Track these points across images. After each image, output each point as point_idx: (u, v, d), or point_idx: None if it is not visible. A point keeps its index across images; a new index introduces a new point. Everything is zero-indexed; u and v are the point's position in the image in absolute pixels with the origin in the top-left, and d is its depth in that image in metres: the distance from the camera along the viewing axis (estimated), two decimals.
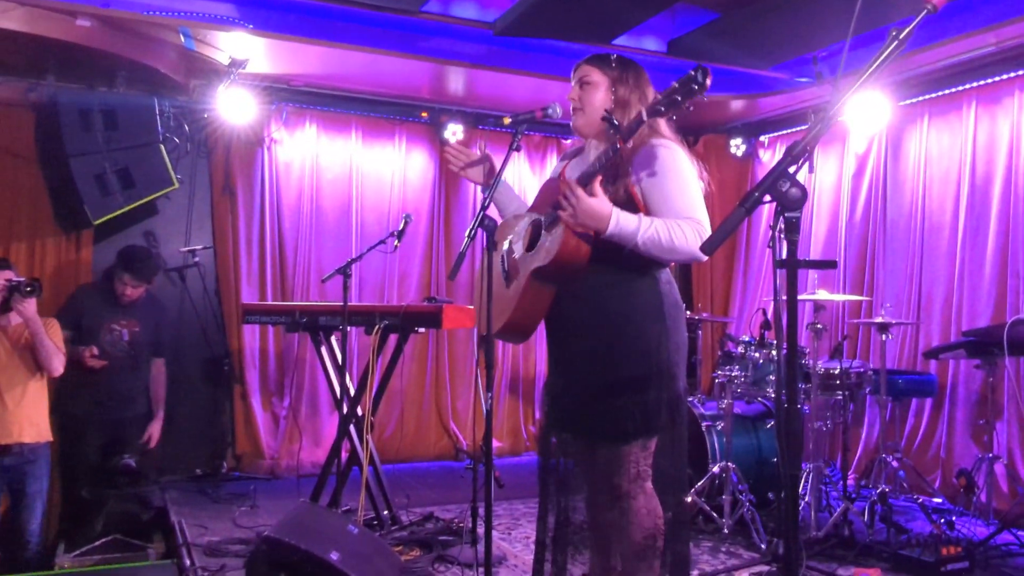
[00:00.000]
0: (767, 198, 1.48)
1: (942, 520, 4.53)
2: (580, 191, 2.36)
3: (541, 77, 5.71)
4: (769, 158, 7.27)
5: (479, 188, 6.76)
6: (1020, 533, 4.27)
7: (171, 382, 5.15)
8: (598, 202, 2.36)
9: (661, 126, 2.58)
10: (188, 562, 3.92)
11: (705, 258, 2.44)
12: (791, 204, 1.46)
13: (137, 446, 4.88)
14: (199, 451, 6.01)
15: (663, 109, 2.29)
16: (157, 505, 4.93)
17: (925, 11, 1.51)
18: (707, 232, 2.41)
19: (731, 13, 4.97)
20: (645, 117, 2.34)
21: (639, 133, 2.46)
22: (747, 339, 5.03)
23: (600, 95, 2.63)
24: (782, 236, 1.51)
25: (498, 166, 2.99)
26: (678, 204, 2.43)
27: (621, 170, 2.51)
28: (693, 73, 2.20)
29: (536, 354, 7.02)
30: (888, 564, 4.03)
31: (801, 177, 1.51)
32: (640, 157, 2.50)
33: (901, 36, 1.48)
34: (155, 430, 4.97)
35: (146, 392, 5.00)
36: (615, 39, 5.22)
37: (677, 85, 2.25)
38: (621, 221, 2.36)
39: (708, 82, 2.17)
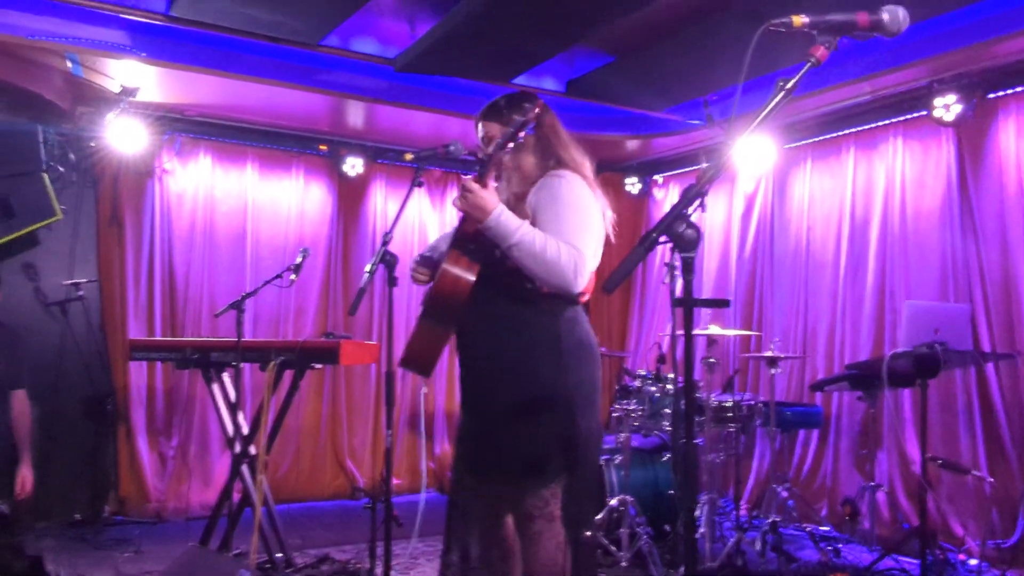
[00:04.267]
0: (664, 238, 1.52)
1: (829, 548, 4.70)
2: (470, 183, 2.43)
3: (441, 113, 5.74)
4: (663, 196, 7.49)
5: (379, 222, 6.76)
6: (901, 559, 4.46)
7: (49, 422, 4.86)
8: (486, 193, 2.42)
9: (567, 156, 2.62)
10: None
11: (577, 289, 2.43)
12: (687, 245, 1.50)
13: (6, 491, 4.55)
14: (78, 495, 5.69)
15: (500, 143, 2.45)
16: (32, 554, 4.62)
17: (810, 64, 1.59)
18: (584, 263, 2.42)
19: (627, 56, 5.13)
20: (490, 151, 2.49)
21: (542, 164, 2.59)
22: (644, 373, 5.12)
23: None
24: (678, 275, 1.55)
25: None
26: (562, 230, 2.43)
27: (521, 192, 2.58)
28: (527, 105, 2.45)
29: (435, 389, 6.98)
30: None
31: (693, 216, 1.56)
32: (538, 186, 2.55)
33: (788, 87, 1.56)
34: (26, 476, 4.51)
35: (7, 430, 4.56)
36: (514, 78, 5.31)
37: (517, 119, 2.44)
38: (503, 217, 2.40)
39: (533, 115, 2.43)
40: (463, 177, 7.02)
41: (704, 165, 6.79)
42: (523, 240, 2.38)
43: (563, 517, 2.56)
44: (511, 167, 2.65)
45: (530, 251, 2.37)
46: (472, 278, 2.50)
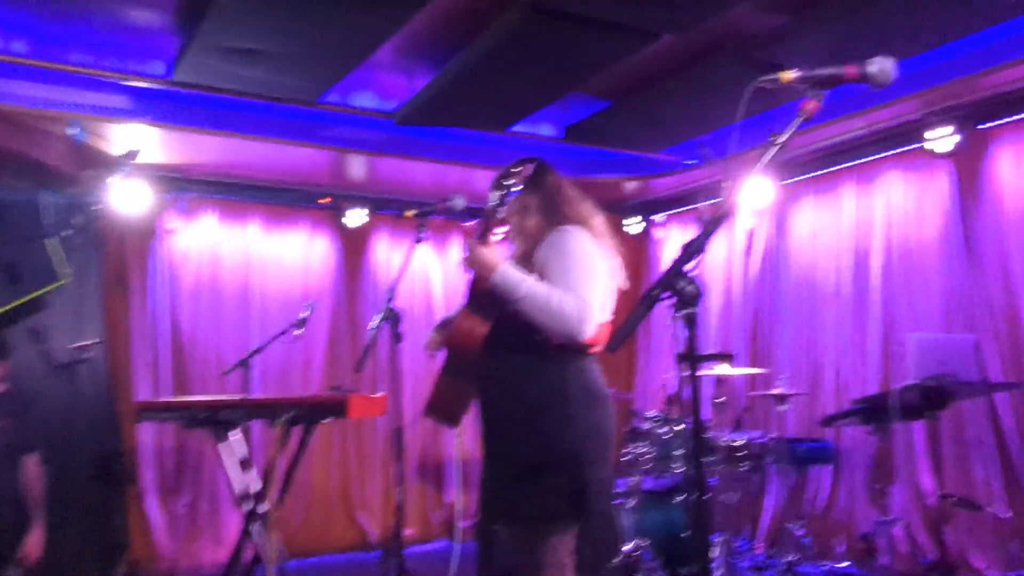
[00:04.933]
0: (665, 294, 1.54)
1: None
2: (472, 242, 2.58)
3: (442, 163, 5.81)
4: (663, 236, 7.52)
5: (383, 272, 6.77)
6: None
7: (58, 486, 4.83)
8: (488, 251, 2.55)
9: (572, 211, 2.72)
10: None
11: (584, 337, 2.49)
12: (688, 300, 1.52)
13: (17, 557, 4.51)
14: (90, 557, 5.62)
15: (494, 205, 2.64)
16: None
17: (801, 118, 1.62)
18: (590, 312, 2.49)
19: (623, 101, 5.19)
20: (486, 215, 2.67)
21: (548, 221, 2.70)
22: (653, 414, 5.10)
23: None
24: (682, 327, 1.57)
25: None
26: (568, 282, 2.51)
27: (529, 251, 2.68)
28: (513, 170, 2.63)
29: (444, 437, 6.95)
30: None
31: (693, 268, 1.59)
32: (546, 240, 2.64)
33: (779, 141, 1.59)
34: (35, 541, 4.48)
35: (20, 494, 4.51)
36: (512, 127, 5.37)
37: (504, 184, 2.63)
38: (508, 273, 2.50)
39: (517, 176, 2.61)
40: (466, 226, 7.11)
41: (702, 205, 6.83)
42: (529, 293, 2.47)
43: (578, 567, 2.58)
44: (517, 229, 2.76)
45: (535, 303, 2.46)
46: (483, 331, 2.60)
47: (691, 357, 1.53)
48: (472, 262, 2.55)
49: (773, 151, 1.58)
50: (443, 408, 2.80)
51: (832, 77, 1.62)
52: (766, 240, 6.41)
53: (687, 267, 1.55)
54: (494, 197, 2.61)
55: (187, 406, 4.61)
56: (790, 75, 1.61)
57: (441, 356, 2.88)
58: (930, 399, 4.37)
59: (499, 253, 2.56)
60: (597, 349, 2.68)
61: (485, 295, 2.62)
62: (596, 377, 2.68)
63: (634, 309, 1.51)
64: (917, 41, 4.19)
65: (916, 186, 5.42)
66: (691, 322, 1.54)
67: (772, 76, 1.61)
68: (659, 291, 1.53)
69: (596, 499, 2.57)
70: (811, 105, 1.62)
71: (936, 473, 4.37)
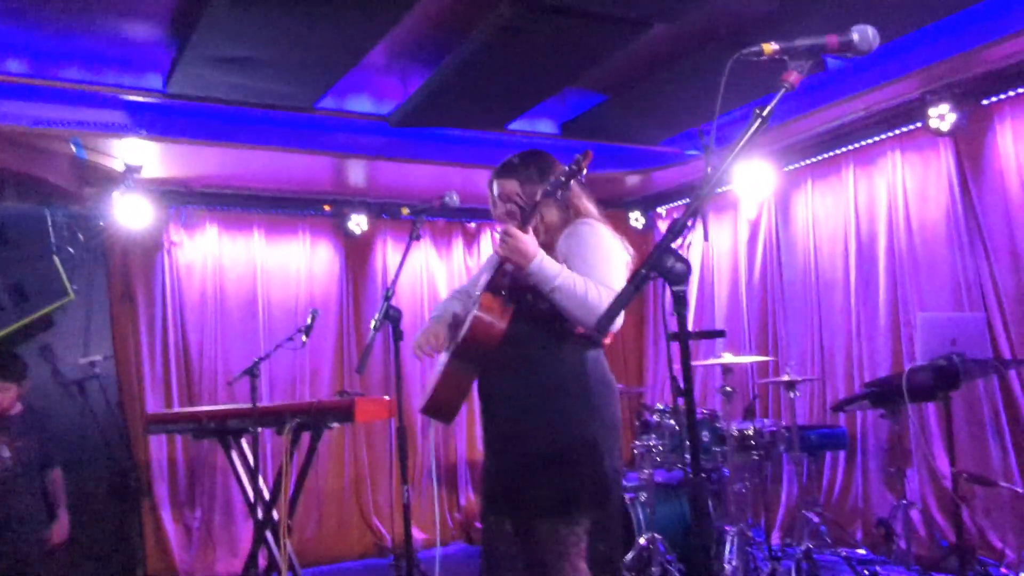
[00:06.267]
0: (653, 274, 1.52)
1: (866, 572, 4.60)
2: (512, 228, 2.48)
3: (441, 164, 5.80)
4: None
5: (387, 277, 6.75)
6: None
7: (74, 501, 4.86)
8: (529, 239, 2.47)
9: (583, 206, 2.71)
10: None
11: (615, 328, 2.45)
12: (676, 279, 1.51)
13: (45, 572, 4.55)
14: (108, 573, 5.67)
15: (550, 190, 2.47)
16: None
17: (783, 90, 1.60)
18: None
19: (619, 93, 5.17)
20: (539, 197, 2.51)
21: (564, 215, 2.66)
22: (662, 407, 5.07)
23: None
24: (672, 311, 1.55)
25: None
26: (597, 274, 2.50)
27: (547, 243, 2.62)
28: (579, 156, 2.44)
29: (456, 438, 6.93)
30: None
31: (697, 245, 1.57)
32: (566, 234, 2.62)
33: (764, 114, 1.57)
34: (56, 531, 4.60)
35: (45, 509, 4.61)
36: (509, 124, 5.36)
37: (565, 168, 2.47)
38: (545, 262, 2.46)
39: (585, 164, 2.44)
40: (469, 226, 7.10)
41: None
42: (564, 284, 2.44)
43: (592, 559, 2.55)
44: (536, 220, 2.67)
45: (571, 294, 2.44)
46: (504, 325, 2.53)
47: (682, 336, 1.51)
48: (509, 248, 2.47)
49: (756, 124, 1.56)
50: (446, 403, 2.71)
51: (814, 47, 1.60)
52: (771, 228, 6.37)
53: (674, 245, 1.53)
54: (551, 183, 2.49)
55: (195, 417, 4.64)
56: (772, 46, 1.59)
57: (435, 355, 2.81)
58: (941, 379, 4.32)
59: (536, 242, 2.50)
60: (607, 340, 2.67)
61: (506, 285, 2.60)
62: (607, 367, 2.69)
63: (622, 290, 1.49)
64: (913, 17, 4.15)
65: (919, 167, 5.37)
66: (681, 301, 1.52)
67: (754, 48, 1.59)
68: (647, 270, 1.51)
69: (613, 489, 2.57)
70: (793, 76, 1.60)
71: (951, 454, 4.32)
